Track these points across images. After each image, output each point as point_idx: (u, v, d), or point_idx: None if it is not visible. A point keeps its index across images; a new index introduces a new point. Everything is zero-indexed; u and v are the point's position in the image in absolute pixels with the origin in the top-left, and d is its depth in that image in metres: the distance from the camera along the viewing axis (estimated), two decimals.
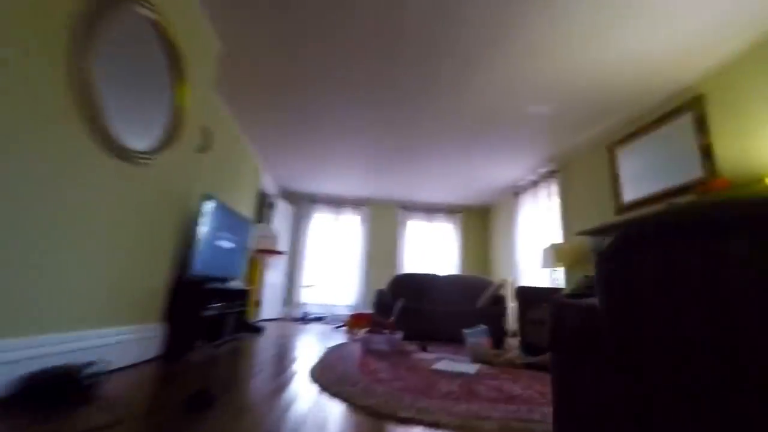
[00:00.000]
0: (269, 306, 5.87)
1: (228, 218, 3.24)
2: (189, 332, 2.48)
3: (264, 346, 3.11)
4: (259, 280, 5.73)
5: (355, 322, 4.72)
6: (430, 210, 7.23)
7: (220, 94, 3.59)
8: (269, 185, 5.99)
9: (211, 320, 2.77)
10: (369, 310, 5.86)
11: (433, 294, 4.76)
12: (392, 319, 3.91)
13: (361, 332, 3.88)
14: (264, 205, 6.15)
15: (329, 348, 3.12)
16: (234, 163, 4.31)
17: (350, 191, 6.81)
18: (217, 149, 3.61)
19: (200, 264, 2.69)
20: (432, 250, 7.07)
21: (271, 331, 4.33)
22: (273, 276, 6.01)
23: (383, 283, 6.65)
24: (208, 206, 2.80)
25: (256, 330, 4.07)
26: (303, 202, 6.97)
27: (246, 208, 4.85)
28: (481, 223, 7.37)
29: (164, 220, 2.39)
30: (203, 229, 2.72)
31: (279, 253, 4.55)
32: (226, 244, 3.19)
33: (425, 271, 5.23)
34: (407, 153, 4.95)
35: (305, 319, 5.68)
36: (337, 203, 7.02)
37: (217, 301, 2.91)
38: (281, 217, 6.29)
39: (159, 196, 2.29)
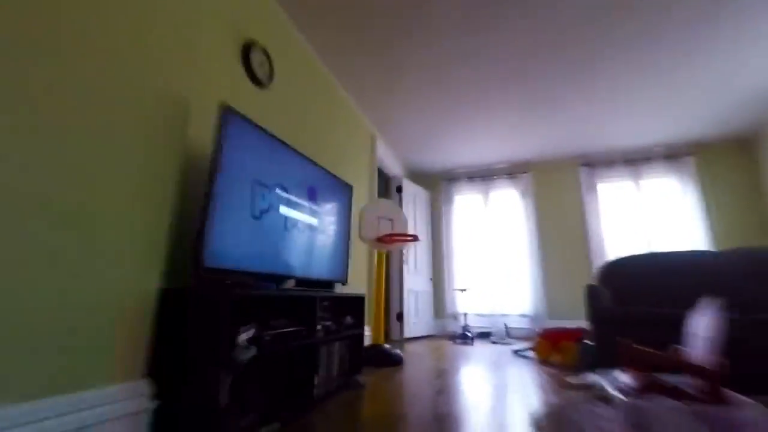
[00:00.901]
0: (413, 320, 4.43)
1: (302, 169, 1.91)
2: (202, 402, 1.14)
3: (406, 402, 1.58)
4: (391, 283, 4.36)
5: (548, 342, 2.80)
6: (633, 160, 4.61)
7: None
8: (391, 165, 4.66)
9: (271, 361, 1.42)
10: (562, 322, 3.77)
11: (709, 288, 2.40)
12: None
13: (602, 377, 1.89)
14: (387, 189, 4.84)
15: (540, 412, 1.37)
16: (339, 125, 3.07)
17: (502, 155, 4.90)
18: (310, 100, 2.39)
19: (226, 244, 1.38)
20: (643, 219, 4.41)
21: (416, 361, 2.81)
22: (414, 278, 4.56)
23: (568, 277, 4.43)
24: (238, 128, 1.49)
25: (393, 361, 2.60)
26: (439, 182, 5.41)
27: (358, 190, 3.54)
28: (739, 163, 4.29)
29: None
30: (230, 173, 1.42)
31: (413, 239, 3.03)
32: (297, 216, 1.84)
33: (653, 251, 2.87)
34: (584, 67, 2.81)
35: (466, 337, 4.01)
36: (484, 175, 5.18)
37: (284, 318, 1.55)
38: (412, 203, 4.86)
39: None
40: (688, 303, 1.76)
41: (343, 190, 2.43)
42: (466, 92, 3.43)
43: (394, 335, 4.30)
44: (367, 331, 3.20)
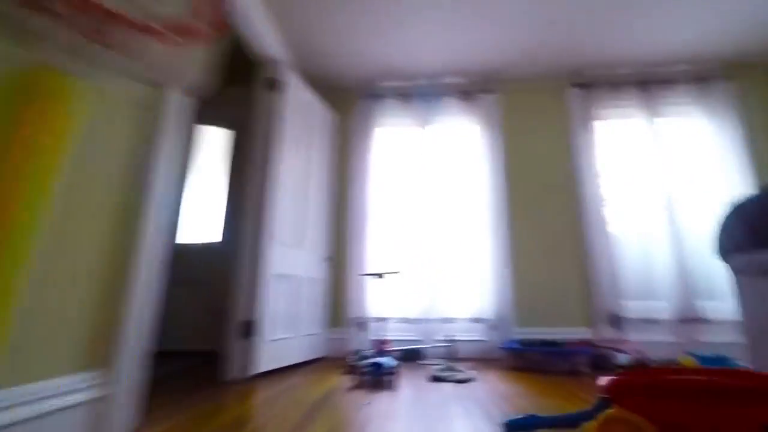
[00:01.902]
0: (278, 333, 2.25)
1: None
2: None
3: None
4: (240, 262, 2.16)
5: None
6: (646, 82, 3.00)
7: None
8: (267, 40, 2.40)
9: None
10: (541, 332, 1.93)
11: None
12: None
13: None
14: (249, 78, 2.60)
15: None
16: None
17: (454, 61, 2.96)
18: None
19: None
20: (659, 167, 2.81)
21: None
22: (288, 254, 2.39)
23: (549, 258, 2.67)
24: None
25: None
26: (352, 101, 3.27)
27: None
28: None
29: None
30: None
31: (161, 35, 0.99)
32: None
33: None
34: None
35: (380, 371, 1.91)
36: (425, 94, 3.17)
37: None
38: (301, 120, 2.65)
39: None
40: None
41: None
42: None
43: (233, 367, 2.06)
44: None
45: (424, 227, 2.90)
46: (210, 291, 2.96)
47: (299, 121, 2.66)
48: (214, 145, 3.30)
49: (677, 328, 2.50)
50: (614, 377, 1.05)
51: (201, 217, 3.15)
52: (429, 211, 2.93)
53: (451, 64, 3.00)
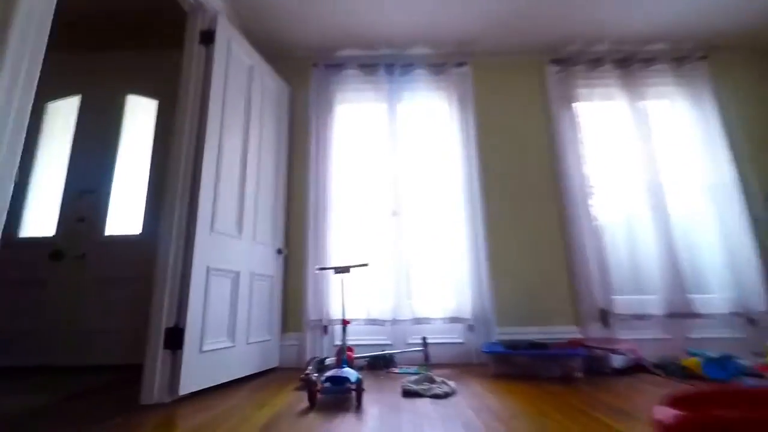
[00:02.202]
0: (210, 343, 1.79)
1: None
2: None
3: None
4: (161, 253, 1.66)
5: None
6: (625, 60, 2.81)
7: None
8: None
9: None
10: (525, 332, 1.62)
11: None
12: None
13: None
14: (172, 31, 2.15)
15: None
16: None
17: (423, 26, 2.62)
18: None
19: None
20: (639, 147, 2.63)
21: None
22: (224, 244, 1.93)
23: (530, 249, 2.37)
24: None
25: None
26: (308, 71, 2.85)
27: None
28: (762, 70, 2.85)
29: None
30: None
31: None
32: None
33: None
34: None
35: (340, 384, 1.53)
36: (391, 63, 2.81)
37: None
38: (241, 84, 2.21)
39: None
40: None
41: None
42: None
43: (155, 387, 1.60)
44: None
45: (395, 216, 2.54)
46: (136, 292, 2.44)
47: (242, 87, 2.21)
48: (135, 117, 2.77)
49: (668, 323, 2.30)
50: (678, 413, 0.72)
51: (121, 204, 2.62)
52: (398, 198, 2.58)
53: (420, 31, 2.67)
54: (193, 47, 1.94)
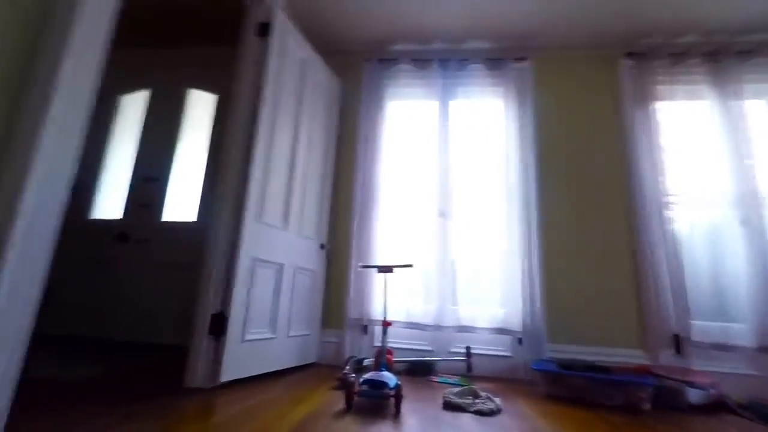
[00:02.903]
0: (252, 333, 1.80)
1: None
2: None
3: None
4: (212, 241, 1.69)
5: None
6: (716, 53, 2.47)
7: None
8: None
9: None
10: (578, 351, 1.41)
11: None
12: None
13: None
14: (230, 24, 2.17)
15: None
16: None
17: (480, 18, 2.47)
18: None
19: None
20: (732, 152, 2.28)
21: None
22: (269, 234, 1.94)
23: (590, 260, 2.14)
24: None
25: None
26: (359, 65, 2.82)
27: None
28: None
29: None
30: None
31: None
32: None
33: None
34: None
35: (379, 389, 1.46)
36: (445, 59, 2.69)
37: None
38: (295, 78, 2.23)
39: None
40: None
41: None
42: None
43: (198, 372, 1.63)
44: None
45: (442, 217, 2.43)
46: (189, 277, 2.55)
47: (295, 81, 2.22)
48: (196, 110, 2.90)
49: (759, 357, 1.97)
50: None
51: (181, 192, 2.75)
52: (446, 199, 2.46)
53: (476, 24, 2.52)
54: (250, 38, 1.98)
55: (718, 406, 1.72)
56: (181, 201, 2.73)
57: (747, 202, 2.15)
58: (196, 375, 1.63)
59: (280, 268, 2.02)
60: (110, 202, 2.79)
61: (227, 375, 1.66)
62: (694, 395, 1.66)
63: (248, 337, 1.78)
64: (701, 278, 2.13)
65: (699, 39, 2.51)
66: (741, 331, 2.00)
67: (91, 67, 1.12)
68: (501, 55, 2.67)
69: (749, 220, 2.13)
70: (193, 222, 2.66)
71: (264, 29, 2.01)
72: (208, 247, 1.76)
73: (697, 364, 2.03)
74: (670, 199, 2.26)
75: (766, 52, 2.42)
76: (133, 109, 2.96)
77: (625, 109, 2.51)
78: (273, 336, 1.93)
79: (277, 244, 1.99)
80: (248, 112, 1.91)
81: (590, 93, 2.60)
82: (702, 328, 2.04)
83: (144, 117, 2.91)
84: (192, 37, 2.93)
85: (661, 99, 2.47)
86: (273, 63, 2.00)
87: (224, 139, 1.89)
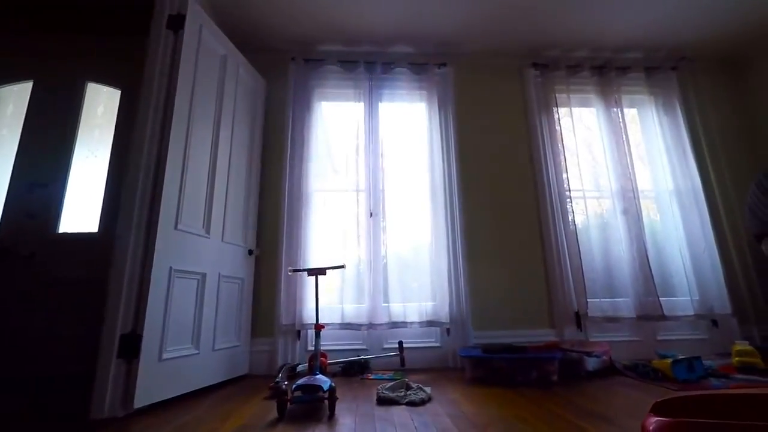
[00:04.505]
0: (170, 351, 1.66)
1: None
2: None
3: None
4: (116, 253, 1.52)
5: None
6: (602, 67, 2.87)
7: None
8: None
9: None
10: (500, 336, 1.61)
11: None
12: None
13: None
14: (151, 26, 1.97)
15: None
16: None
17: (404, 23, 2.56)
18: None
19: None
20: (614, 152, 2.69)
21: None
22: (187, 243, 1.80)
23: (508, 253, 2.37)
24: None
25: None
26: (284, 65, 2.75)
27: None
28: (727, 82, 2.99)
29: None
30: None
31: None
32: None
33: None
34: None
35: (311, 393, 1.44)
36: (371, 61, 2.74)
37: None
38: (216, 78, 2.09)
39: None
40: None
41: None
42: None
43: (107, 399, 1.46)
44: None
45: (371, 217, 2.47)
46: (92, 296, 2.25)
47: (213, 78, 2.10)
48: (95, 106, 2.58)
49: (639, 325, 2.35)
50: (668, 420, 0.70)
51: (79, 199, 2.42)
52: (376, 199, 2.51)
53: (402, 28, 2.62)
54: (160, 32, 1.81)
55: (609, 370, 2.01)
56: (81, 209, 2.40)
57: (626, 194, 2.55)
58: (105, 404, 1.45)
59: (202, 278, 1.88)
60: None
61: (143, 400, 1.51)
62: (591, 363, 1.92)
63: (167, 355, 1.64)
64: (594, 262, 2.47)
65: (589, 54, 2.90)
66: (625, 305, 2.37)
67: None
68: (425, 60, 2.80)
69: (628, 210, 2.52)
70: (95, 232, 2.36)
71: (176, 21, 1.85)
72: (115, 259, 1.58)
73: (594, 336, 2.35)
74: (569, 194, 2.58)
75: (639, 68, 2.87)
76: (12, 104, 2.52)
77: (532, 113, 2.80)
78: (196, 351, 1.80)
79: (198, 252, 1.86)
80: (160, 111, 1.75)
81: (503, 98, 2.85)
82: (596, 304, 2.38)
83: (27, 112, 2.50)
84: (87, 23, 2.58)
85: (561, 105, 2.81)
86: (187, 59, 1.86)
87: (132, 138, 1.71)
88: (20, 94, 2.54)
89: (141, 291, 1.58)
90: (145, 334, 1.54)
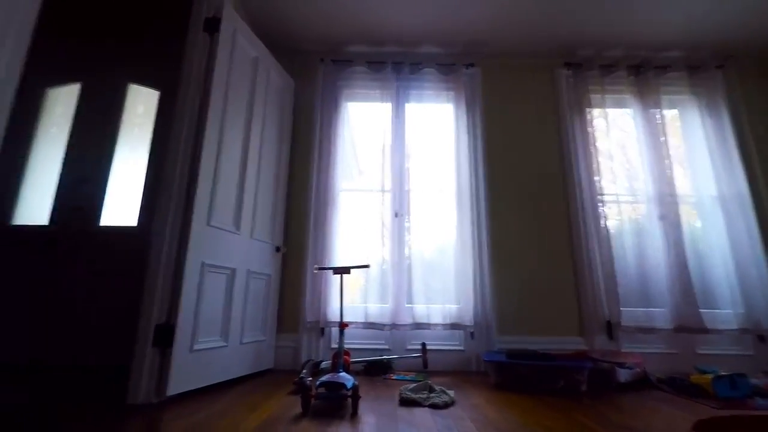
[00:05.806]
0: (201, 342, 1.72)
1: None
2: None
3: None
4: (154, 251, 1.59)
5: None
6: (639, 66, 2.75)
7: None
8: None
9: None
10: (526, 342, 1.55)
11: None
12: None
13: None
14: (171, 16, 2.06)
15: None
16: None
17: (436, 23, 2.55)
18: None
19: None
20: (653, 156, 2.56)
21: None
22: (218, 239, 1.86)
23: (536, 258, 2.29)
24: None
25: None
26: (314, 66, 2.79)
27: None
28: None
29: None
30: None
31: None
32: None
33: None
34: None
35: (335, 390, 1.46)
36: (398, 61, 2.74)
37: None
38: (245, 77, 2.16)
39: None
40: None
41: None
42: None
43: (142, 386, 1.53)
44: None
45: (396, 217, 2.48)
46: (129, 287, 2.37)
47: (246, 79, 2.16)
48: (137, 106, 2.71)
49: (676, 338, 2.23)
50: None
51: (120, 194, 2.56)
52: (402, 200, 2.51)
53: (429, 29, 2.61)
54: (197, 35, 1.88)
55: (642, 383, 1.92)
56: (121, 204, 2.54)
57: (664, 199, 2.42)
58: (140, 390, 1.53)
59: (232, 273, 1.95)
60: (35, 205, 2.52)
61: (175, 388, 1.58)
62: (622, 374, 1.84)
63: (198, 346, 1.70)
64: (628, 269, 2.37)
65: (625, 53, 2.78)
66: (661, 315, 2.25)
67: (12, 57, 1.01)
68: (453, 61, 2.78)
69: (666, 216, 2.40)
70: (134, 226, 2.48)
71: (212, 24, 1.92)
72: (151, 253, 1.66)
73: (626, 346, 2.25)
74: (602, 197, 2.49)
75: (679, 68, 2.73)
76: (62, 104, 2.70)
77: (563, 113, 2.72)
78: (225, 344, 1.86)
79: (228, 248, 1.92)
80: (195, 111, 1.82)
81: (533, 99, 2.78)
82: (629, 314, 2.27)
83: (75, 112, 2.67)
84: (129, 28, 2.73)
85: (595, 106, 2.71)
86: (222, 60, 1.93)
87: (170, 137, 1.79)
88: (69, 95, 2.70)
89: (175, 284, 1.65)
90: (178, 325, 1.60)
